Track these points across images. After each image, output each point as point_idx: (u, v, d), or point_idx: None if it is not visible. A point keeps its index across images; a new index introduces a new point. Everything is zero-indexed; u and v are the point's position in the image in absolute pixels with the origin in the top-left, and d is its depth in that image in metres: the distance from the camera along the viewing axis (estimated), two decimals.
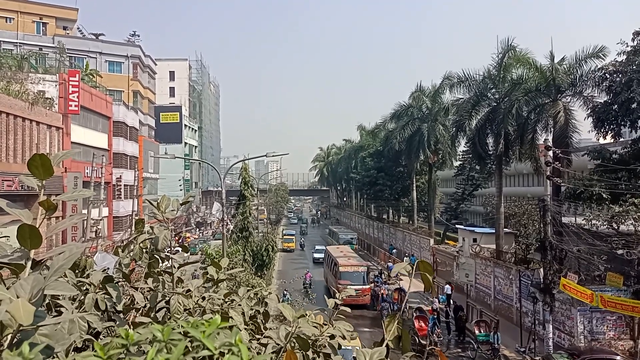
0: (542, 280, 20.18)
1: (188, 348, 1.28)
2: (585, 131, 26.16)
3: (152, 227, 2.78)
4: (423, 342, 21.01)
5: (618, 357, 17.60)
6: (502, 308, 27.16)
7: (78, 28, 55.56)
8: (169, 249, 2.74)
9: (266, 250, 32.77)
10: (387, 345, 1.75)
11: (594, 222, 21.22)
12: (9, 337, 1.24)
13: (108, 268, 2.85)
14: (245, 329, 2.48)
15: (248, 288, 3.08)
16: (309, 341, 2.05)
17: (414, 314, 23.61)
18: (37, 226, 1.47)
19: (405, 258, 41.10)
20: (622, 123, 23.75)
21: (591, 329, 20.44)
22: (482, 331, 22.42)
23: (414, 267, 1.89)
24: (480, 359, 21.30)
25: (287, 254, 54.88)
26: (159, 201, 2.78)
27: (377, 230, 60.15)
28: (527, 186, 55.61)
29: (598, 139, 26.78)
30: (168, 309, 2.58)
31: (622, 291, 19.49)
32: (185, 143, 73.31)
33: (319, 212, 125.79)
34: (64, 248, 1.52)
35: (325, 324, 2.28)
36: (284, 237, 60.38)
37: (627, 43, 23.06)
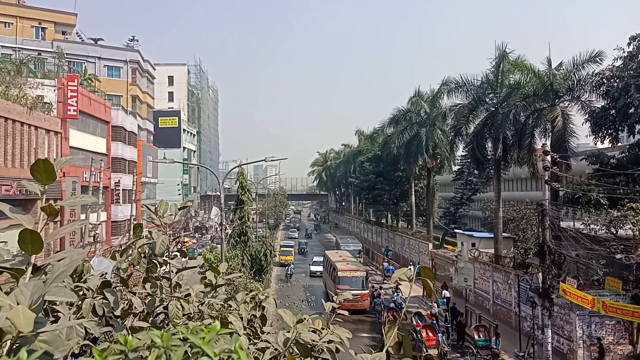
0: (540, 284, 20.15)
1: (187, 354, 1.27)
2: (583, 136, 26.22)
3: (150, 232, 2.77)
4: (431, 352, 20.82)
5: None
6: (501, 313, 27.11)
7: (77, 33, 55.62)
8: (167, 254, 2.73)
9: (264, 255, 32.78)
10: (387, 352, 1.74)
11: (592, 226, 21.22)
12: (8, 343, 1.23)
13: (106, 273, 2.84)
14: (243, 334, 2.47)
15: (246, 292, 3.08)
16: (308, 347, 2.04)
17: (412, 319, 23.53)
18: (38, 231, 1.46)
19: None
20: (620, 128, 23.84)
21: (590, 334, 20.42)
22: (481, 336, 22.40)
23: (414, 272, 1.89)
24: None
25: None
26: (156, 206, 2.77)
27: (375, 235, 60.10)
28: (526, 191, 55.66)
29: (596, 144, 26.85)
30: (166, 314, 2.56)
31: (620, 296, 19.47)
32: (184, 147, 73.31)
33: (317, 217, 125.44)
34: (65, 254, 1.51)
35: (324, 329, 2.27)
36: (281, 248, 53.41)
37: (623, 49, 23.16)
